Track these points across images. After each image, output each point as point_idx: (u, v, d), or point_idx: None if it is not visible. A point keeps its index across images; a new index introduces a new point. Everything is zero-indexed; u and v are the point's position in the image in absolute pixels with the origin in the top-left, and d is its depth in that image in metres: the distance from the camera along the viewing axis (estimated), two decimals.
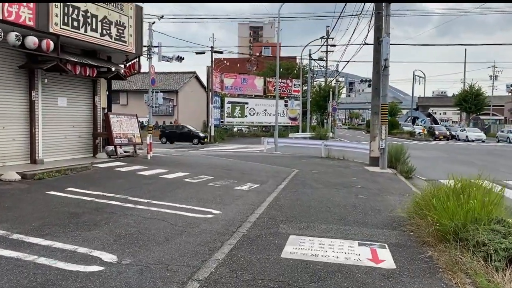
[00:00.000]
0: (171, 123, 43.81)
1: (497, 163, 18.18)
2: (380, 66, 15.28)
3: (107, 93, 13.10)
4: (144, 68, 25.64)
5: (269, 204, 7.62)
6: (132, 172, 10.41)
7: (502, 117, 61.70)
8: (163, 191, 8.34)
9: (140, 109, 38.97)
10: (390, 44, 14.23)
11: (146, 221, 5.96)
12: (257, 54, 74.66)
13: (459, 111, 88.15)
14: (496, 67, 67.02)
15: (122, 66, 14.04)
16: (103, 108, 12.91)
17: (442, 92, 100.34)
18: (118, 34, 11.77)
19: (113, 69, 12.80)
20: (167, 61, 26.81)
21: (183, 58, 27.39)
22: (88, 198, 7.31)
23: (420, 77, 61.31)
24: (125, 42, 12.11)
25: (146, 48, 25.42)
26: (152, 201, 7.37)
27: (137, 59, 13.20)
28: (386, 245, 5.32)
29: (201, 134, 29.80)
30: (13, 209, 6.42)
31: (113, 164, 11.39)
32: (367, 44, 24.91)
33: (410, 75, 60.29)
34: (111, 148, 12.50)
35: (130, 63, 13.55)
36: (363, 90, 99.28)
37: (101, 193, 7.79)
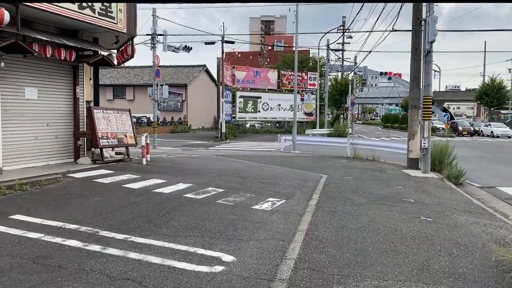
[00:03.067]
0: (180, 119, 41.61)
1: None
2: (420, 51, 12.85)
3: (92, 82, 10.69)
4: (148, 58, 23.41)
5: (305, 238, 5.19)
6: (116, 185, 7.98)
7: None
8: (153, 217, 5.92)
9: (148, 104, 36.80)
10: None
11: (112, 287, 3.55)
12: (270, 47, 72.16)
13: (473, 106, 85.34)
14: None
15: (115, 51, 11.69)
16: (88, 102, 10.55)
17: (455, 87, 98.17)
18: (104, 7, 9.36)
19: (103, 53, 10.45)
20: (173, 51, 24.43)
21: (191, 48, 24.98)
22: (36, 235, 4.90)
23: (435, 71, 58.44)
24: (113, 18, 9.69)
25: (149, 37, 23.23)
26: (132, 237, 4.96)
27: (130, 41, 10.77)
28: None
29: None
30: None
31: (95, 172, 9.00)
32: (396, 30, 22.27)
33: None
34: (98, 151, 10.13)
35: (122, 47, 11.15)
36: (376, 85, 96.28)
37: (59, 224, 5.38)
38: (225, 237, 5.09)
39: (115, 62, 11.83)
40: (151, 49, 22.81)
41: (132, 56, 10.84)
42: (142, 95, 41.12)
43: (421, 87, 12.75)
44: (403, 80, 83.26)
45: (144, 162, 10.66)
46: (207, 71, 45.86)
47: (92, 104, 10.62)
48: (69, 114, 10.21)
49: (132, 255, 4.35)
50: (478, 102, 54.54)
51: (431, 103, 12.22)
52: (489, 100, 48.69)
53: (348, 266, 4.30)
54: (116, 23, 9.82)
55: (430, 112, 12.35)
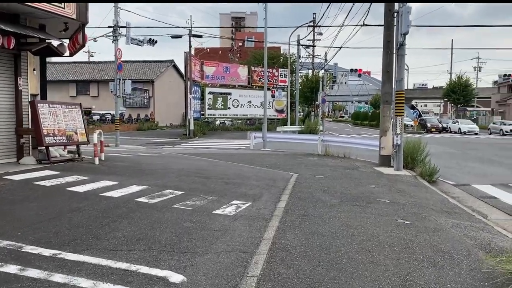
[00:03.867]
0: (146, 116, 40.27)
1: None
2: (392, 44, 12.46)
3: (37, 74, 9.63)
4: (110, 52, 22.17)
5: (271, 248, 4.51)
6: (59, 188, 7.06)
7: (485, 109, 60.35)
8: (94, 227, 5.09)
9: (113, 100, 35.50)
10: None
11: None
12: (240, 44, 71.37)
13: (439, 103, 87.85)
14: (480, 59, 65.64)
15: (67, 40, 10.69)
16: (33, 95, 9.50)
17: (423, 85, 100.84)
18: None
19: (53, 42, 9.44)
20: (137, 44, 23.27)
21: (156, 41, 23.88)
22: None
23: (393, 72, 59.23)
24: (60, 2, 8.69)
25: (111, 29, 22.05)
26: (63, 253, 4.12)
27: (81, 29, 9.78)
28: None
29: None
30: None
31: (38, 174, 8.01)
32: (367, 25, 22.02)
33: None
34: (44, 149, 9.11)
35: (74, 35, 10.15)
36: (346, 83, 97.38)
37: None
38: (177, 250, 4.33)
39: (67, 52, 10.83)
40: (112, 42, 21.66)
41: (83, 45, 9.87)
42: (107, 91, 39.42)
43: (393, 81, 12.37)
44: (372, 78, 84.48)
45: (97, 162, 9.68)
46: (175, 67, 44.63)
47: (38, 97, 9.58)
48: (10, 108, 9.12)
49: (57, 277, 3.53)
50: (445, 99, 55.75)
51: (403, 98, 11.83)
52: (456, 98, 49.77)
53: (320, 284, 3.64)
54: (64, 8, 8.81)
55: (403, 108, 11.97)
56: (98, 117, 36.86)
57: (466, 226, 5.88)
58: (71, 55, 11.11)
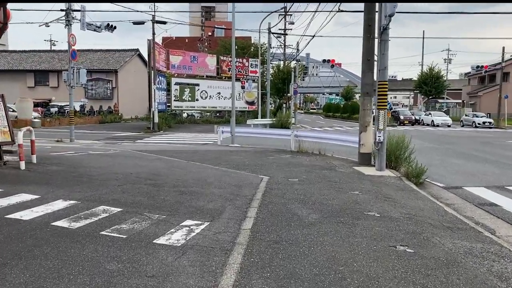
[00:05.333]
0: (109, 108, 37.93)
1: (502, 155, 14.71)
2: (373, 29, 11.26)
3: None
4: (77, 42, 19.89)
5: None
6: None
7: (455, 101, 60.98)
8: None
9: (75, 92, 33.09)
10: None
11: None
12: (210, 33, 69.36)
13: (409, 95, 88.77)
14: (450, 51, 66.24)
15: None
16: None
17: (392, 77, 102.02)
18: None
19: None
20: (95, 30, 21.13)
21: (115, 27, 21.82)
22: None
23: (374, 61, 59.28)
24: None
25: (64, 13, 19.88)
26: None
27: (1, 5, 7.94)
28: None
29: None
30: None
31: None
32: (342, 11, 20.72)
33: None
34: None
35: None
36: (317, 74, 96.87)
37: None
38: None
39: None
40: (65, 27, 19.57)
41: (5, 24, 8.02)
42: None
43: (375, 71, 11.17)
44: (344, 69, 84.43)
45: (23, 167, 7.90)
46: (140, 56, 42.29)
47: None
48: None
49: None
50: (416, 91, 55.74)
51: (387, 89, 10.59)
52: (427, 89, 49.63)
53: None
54: None
55: (386, 100, 10.75)
56: (57, 109, 34.29)
57: (481, 252, 4.60)
58: None
